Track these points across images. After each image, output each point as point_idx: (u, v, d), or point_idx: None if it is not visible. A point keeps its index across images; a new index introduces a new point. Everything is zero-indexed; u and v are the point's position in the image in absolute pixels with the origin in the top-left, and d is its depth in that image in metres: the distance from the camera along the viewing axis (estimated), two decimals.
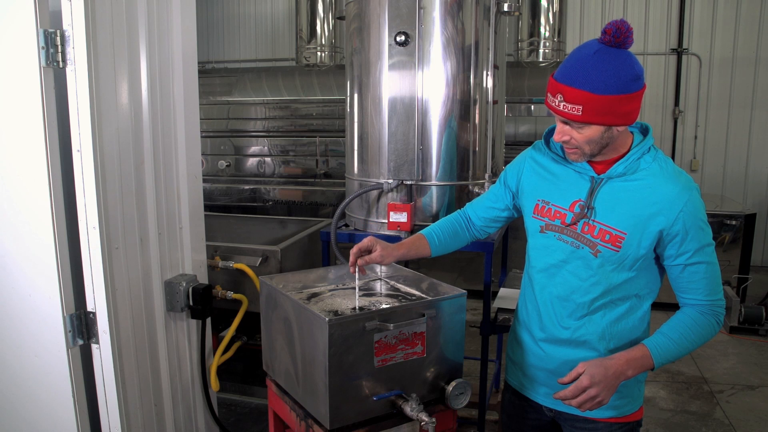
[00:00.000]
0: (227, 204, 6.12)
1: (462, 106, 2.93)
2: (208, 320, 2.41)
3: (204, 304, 2.26)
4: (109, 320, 1.90)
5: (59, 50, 1.76)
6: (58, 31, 1.75)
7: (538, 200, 1.70)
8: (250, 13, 8.16)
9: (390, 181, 2.93)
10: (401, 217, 2.87)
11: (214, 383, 2.49)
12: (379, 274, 2.11)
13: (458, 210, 2.00)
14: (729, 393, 3.93)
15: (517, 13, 3.07)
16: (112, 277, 1.91)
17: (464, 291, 1.78)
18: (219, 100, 6.22)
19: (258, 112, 6.16)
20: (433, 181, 2.96)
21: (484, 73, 2.97)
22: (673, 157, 7.04)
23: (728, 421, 3.57)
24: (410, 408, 1.63)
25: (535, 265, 1.73)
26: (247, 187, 6.13)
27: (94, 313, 1.90)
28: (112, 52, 1.88)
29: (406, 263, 2.51)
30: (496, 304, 2.99)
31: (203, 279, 2.40)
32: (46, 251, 1.83)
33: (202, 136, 2.43)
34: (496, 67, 3.03)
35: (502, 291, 3.19)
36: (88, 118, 1.79)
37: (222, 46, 8.29)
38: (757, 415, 3.65)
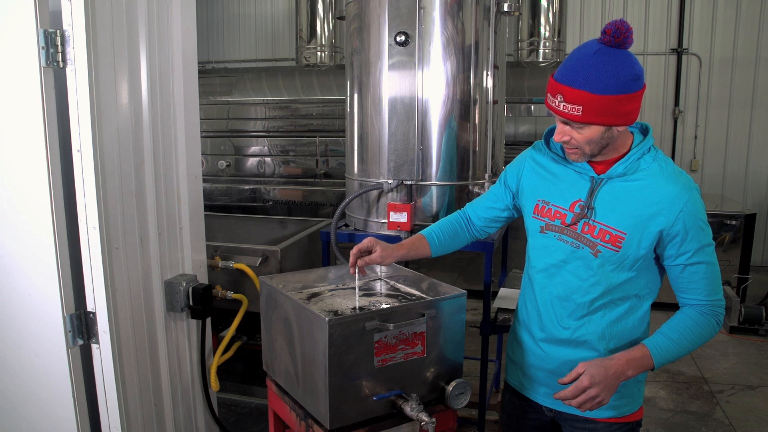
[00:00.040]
0: (227, 204, 6.12)
1: (462, 106, 2.93)
2: (208, 320, 2.41)
3: (204, 304, 2.26)
4: (109, 320, 1.90)
5: (59, 50, 1.76)
6: (58, 31, 1.75)
7: (538, 200, 1.70)
8: (250, 13, 8.16)
9: (390, 181, 2.93)
10: (401, 217, 2.87)
11: (214, 383, 2.49)
12: (379, 274, 2.11)
13: (458, 210, 2.00)
14: (729, 393, 3.93)
15: (517, 13, 3.07)
16: (112, 277, 1.92)
17: (464, 291, 1.78)
18: (219, 100, 6.22)
19: (258, 112, 6.16)
20: (433, 181, 2.96)
21: (484, 73, 2.97)
22: (673, 157, 7.04)
23: (728, 421, 3.57)
24: (410, 408, 1.63)
25: (535, 265, 1.73)
26: (247, 187, 6.13)
27: (94, 313, 1.90)
28: (112, 52, 1.88)
29: (406, 263, 2.51)
30: (496, 304, 2.99)
31: (203, 279, 2.40)
32: (46, 251, 1.83)
33: (202, 136, 2.43)
34: (496, 67, 3.03)
35: (502, 291, 3.19)
36: (88, 118, 1.79)
37: (222, 46, 8.29)
38: (757, 415, 3.65)
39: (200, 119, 2.38)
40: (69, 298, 1.87)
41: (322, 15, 6.55)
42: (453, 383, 1.72)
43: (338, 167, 5.91)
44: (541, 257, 1.71)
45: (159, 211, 2.15)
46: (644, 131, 1.63)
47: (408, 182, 2.94)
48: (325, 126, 5.97)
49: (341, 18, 3.49)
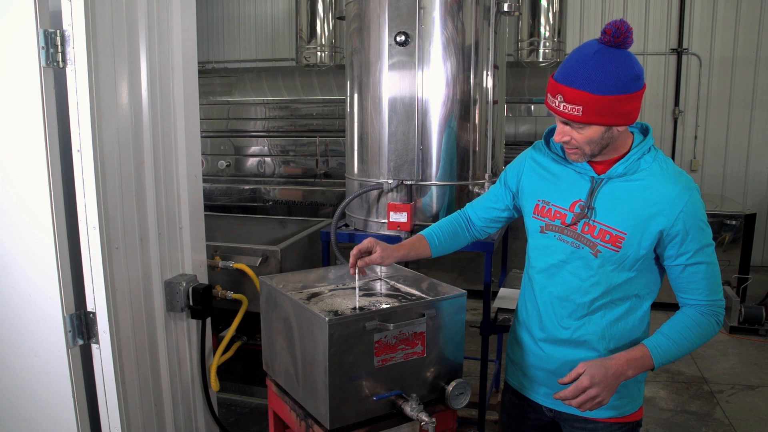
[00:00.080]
0: (227, 204, 6.12)
1: (462, 106, 2.93)
2: (208, 320, 2.41)
3: (204, 304, 2.26)
4: (109, 320, 1.90)
5: (59, 50, 1.76)
6: (58, 31, 1.75)
7: (538, 200, 1.70)
8: (250, 13, 8.16)
9: (390, 181, 2.93)
10: (401, 217, 2.87)
11: (214, 383, 2.49)
12: (379, 274, 2.11)
13: (458, 210, 2.00)
14: (729, 393, 3.93)
15: (517, 13, 3.07)
16: (112, 277, 1.91)
17: (464, 291, 1.78)
18: (219, 100, 6.22)
19: (258, 112, 6.16)
20: (433, 181, 2.96)
21: (484, 73, 2.97)
22: (673, 157, 7.04)
23: (728, 421, 3.57)
24: (410, 408, 1.63)
25: (535, 265, 1.73)
26: (247, 187, 6.13)
27: (94, 313, 1.90)
28: (112, 52, 1.88)
29: (406, 264, 2.50)
30: (496, 304, 2.99)
31: (203, 279, 2.40)
32: (46, 251, 1.83)
33: (202, 136, 2.43)
34: (496, 67, 3.03)
35: (502, 291, 3.19)
36: (88, 118, 1.79)
37: (222, 46, 8.29)
38: (757, 415, 3.65)
39: (200, 119, 2.38)
40: (69, 298, 1.87)
41: (322, 15, 6.55)
42: (453, 383, 1.73)
43: (338, 167, 5.91)
44: (541, 257, 1.71)
45: (159, 211, 2.15)
46: (644, 131, 1.63)
47: (408, 182, 2.94)
48: (325, 126, 5.97)
49: (341, 18, 3.49)
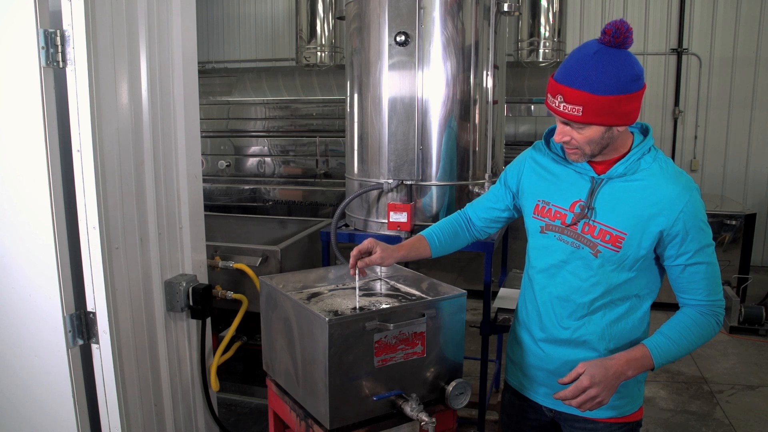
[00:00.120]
0: (227, 204, 6.12)
1: (462, 106, 2.93)
2: (208, 320, 2.41)
3: (204, 304, 2.26)
4: (109, 320, 1.90)
5: (59, 50, 1.76)
6: (58, 31, 1.75)
7: (539, 200, 1.70)
8: (250, 13, 8.16)
9: (390, 181, 2.93)
10: (401, 217, 2.87)
11: (214, 383, 2.49)
12: (379, 274, 2.11)
13: (458, 210, 2.00)
14: (729, 393, 3.93)
15: (517, 13, 3.07)
16: (112, 277, 1.91)
17: (464, 291, 1.78)
18: (219, 100, 6.22)
19: (258, 112, 6.16)
20: (433, 181, 2.96)
21: (484, 73, 2.97)
22: (673, 157, 7.04)
23: (728, 421, 3.57)
24: (410, 408, 1.63)
25: (535, 265, 1.73)
26: (247, 187, 6.13)
27: (94, 313, 1.90)
28: (112, 52, 1.88)
29: (406, 264, 2.51)
30: (496, 304, 2.99)
31: (203, 279, 2.40)
32: (46, 251, 1.83)
33: (202, 136, 2.43)
34: (496, 67, 3.03)
35: (502, 291, 3.19)
36: (88, 118, 1.79)
37: (222, 46, 8.29)
38: (757, 415, 3.65)
39: (200, 119, 2.38)
40: (69, 298, 1.87)
41: (322, 15, 6.55)
42: (453, 383, 1.72)
43: (338, 167, 5.91)
44: (541, 257, 1.71)
45: (159, 211, 2.14)
46: (644, 131, 1.63)
47: (408, 182, 2.94)
48: (325, 126, 5.97)
49: (341, 18, 3.49)
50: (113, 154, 1.91)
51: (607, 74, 1.42)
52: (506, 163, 2.01)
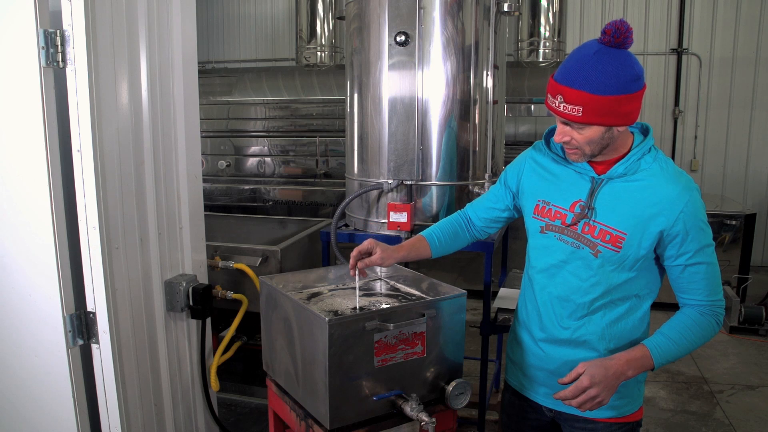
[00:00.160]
0: (227, 204, 6.12)
1: (462, 106, 2.93)
2: (208, 320, 2.41)
3: (204, 304, 2.26)
4: (109, 320, 1.90)
5: (59, 50, 1.76)
6: (58, 31, 1.75)
7: (539, 200, 1.70)
8: (250, 13, 8.16)
9: (390, 181, 2.93)
10: (401, 217, 2.87)
11: (214, 383, 2.49)
12: (379, 274, 2.11)
13: (458, 211, 2.00)
14: (729, 393, 3.93)
15: (517, 13, 3.07)
16: (112, 277, 1.91)
17: (464, 291, 1.78)
18: (219, 100, 6.22)
19: (258, 112, 6.16)
20: (433, 181, 2.96)
21: (484, 73, 2.97)
22: (673, 157, 7.04)
23: (728, 421, 3.57)
24: (410, 408, 1.63)
25: (535, 265, 1.73)
26: (247, 187, 6.13)
27: (94, 313, 1.90)
28: (112, 52, 1.88)
29: (406, 264, 2.51)
30: (496, 304, 2.99)
31: (203, 279, 2.40)
32: (46, 251, 1.83)
33: (202, 136, 2.43)
34: (496, 67, 3.03)
35: (502, 291, 3.19)
36: (88, 118, 1.79)
37: (222, 46, 8.29)
38: (757, 415, 3.65)
39: (200, 119, 2.38)
40: (69, 298, 1.87)
41: (322, 15, 6.55)
42: (453, 383, 1.72)
43: (338, 167, 5.91)
44: (541, 257, 1.71)
45: (159, 211, 2.15)
46: (644, 131, 1.63)
47: (408, 182, 2.94)
48: (325, 126, 5.97)
49: (341, 18, 3.49)
50: (113, 154, 1.91)
51: (607, 74, 1.42)
52: (506, 163, 2.01)
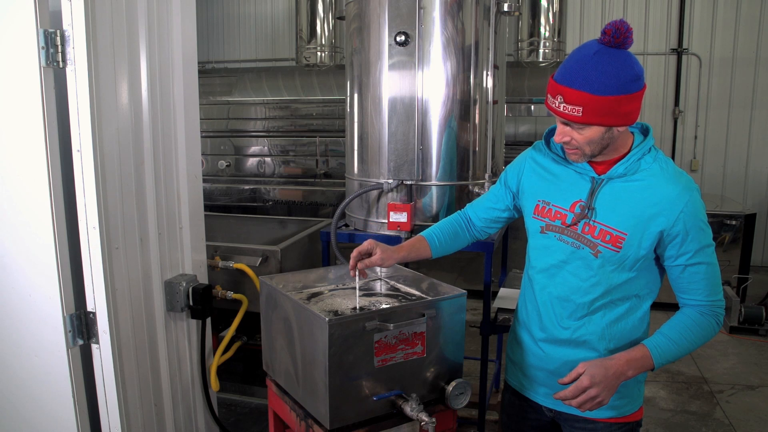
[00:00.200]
0: (227, 204, 6.12)
1: (462, 106, 2.93)
2: (208, 320, 2.41)
3: (204, 304, 2.26)
4: (109, 320, 1.90)
5: (59, 50, 1.76)
6: (58, 31, 1.75)
7: (539, 201, 1.70)
8: (250, 13, 8.16)
9: (390, 181, 2.93)
10: (401, 217, 2.87)
11: (214, 383, 2.49)
12: (379, 274, 2.11)
13: (458, 211, 2.00)
14: (729, 393, 3.93)
15: (517, 13, 3.07)
16: (112, 277, 1.91)
17: (464, 291, 1.78)
18: (219, 100, 6.22)
19: (258, 112, 6.16)
20: (433, 181, 2.96)
21: (484, 73, 2.97)
22: (673, 157, 7.04)
23: (728, 421, 3.57)
24: (410, 408, 1.63)
25: (535, 265, 1.73)
26: (247, 187, 6.13)
27: (94, 313, 1.90)
28: (112, 52, 1.88)
29: (406, 264, 2.51)
30: (496, 304, 2.99)
31: (203, 279, 2.40)
32: (46, 251, 1.83)
33: (202, 136, 2.43)
34: (496, 67, 3.03)
35: (502, 291, 3.19)
36: (88, 118, 1.79)
37: (222, 46, 8.29)
38: (757, 415, 3.65)
39: (200, 119, 2.38)
40: (69, 298, 1.87)
41: (322, 15, 6.55)
42: (453, 383, 1.72)
43: (338, 167, 5.91)
44: (541, 257, 1.71)
45: (159, 211, 2.15)
46: (644, 131, 1.63)
47: (408, 182, 2.94)
48: (325, 126, 5.97)
49: (341, 18, 3.49)
50: (113, 154, 1.91)
51: (607, 74, 1.42)
52: (506, 163, 2.01)
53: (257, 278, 2.63)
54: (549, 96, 1.51)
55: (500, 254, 3.64)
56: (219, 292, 2.62)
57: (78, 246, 1.86)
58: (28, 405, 1.99)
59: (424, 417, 1.60)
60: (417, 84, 2.86)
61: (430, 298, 1.85)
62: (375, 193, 3.00)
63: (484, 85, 2.98)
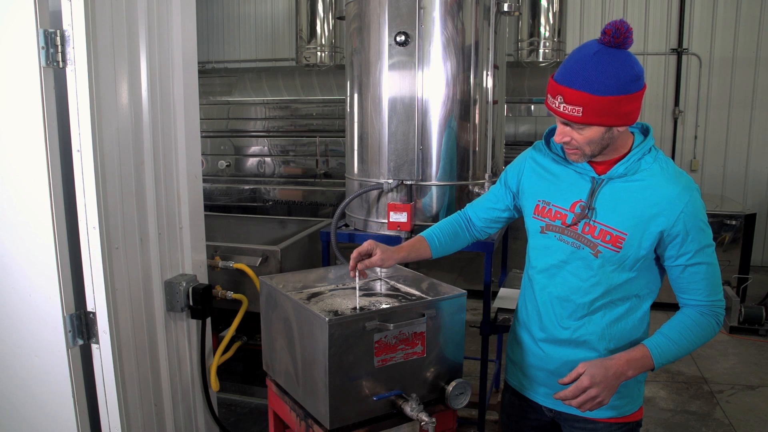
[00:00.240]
0: (227, 204, 6.12)
1: (462, 106, 2.93)
2: (208, 320, 2.41)
3: (204, 304, 2.26)
4: (109, 320, 1.90)
5: (59, 50, 1.76)
6: (58, 31, 1.75)
7: (539, 201, 1.70)
8: (250, 13, 8.16)
9: (390, 181, 2.93)
10: (401, 217, 2.87)
11: (214, 383, 2.49)
12: (379, 274, 2.11)
13: (458, 211, 2.00)
14: (729, 393, 3.93)
15: (517, 13, 3.07)
16: (112, 277, 1.91)
17: (464, 291, 1.78)
18: (219, 100, 6.22)
19: (258, 112, 6.16)
20: (433, 181, 2.96)
21: (484, 73, 2.97)
22: (673, 157, 7.04)
23: (728, 421, 3.57)
24: (410, 408, 1.63)
25: (535, 265, 1.73)
26: (247, 187, 6.13)
27: (94, 313, 1.90)
28: (112, 52, 1.88)
29: (406, 264, 2.51)
30: (496, 304, 2.99)
31: (203, 279, 2.40)
32: (46, 251, 1.83)
33: (202, 136, 2.43)
34: (496, 67, 3.03)
35: (502, 291, 3.19)
36: (88, 118, 1.79)
37: (222, 46, 8.29)
38: (757, 415, 3.65)
39: (200, 119, 2.38)
40: (69, 298, 1.87)
41: (322, 15, 6.55)
42: (453, 383, 1.72)
43: (338, 167, 5.91)
44: (541, 257, 1.71)
45: (159, 211, 2.14)
46: (645, 131, 1.63)
47: (408, 182, 2.94)
48: (325, 126, 5.97)
49: (341, 18, 3.49)
50: (113, 154, 1.91)
51: (607, 75, 1.42)
52: (506, 163, 2.01)
53: (257, 278, 2.63)
54: (549, 96, 1.51)
55: (500, 254, 3.64)
56: (219, 292, 2.62)
57: (78, 246, 1.86)
58: (28, 405, 1.99)
59: (424, 417, 1.60)
60: (417, 84, 2.86)
61: (430, 298, 1.85)
62: (375, 193, 3.00)
63: (484, 85, 2.98)
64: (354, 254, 1.77)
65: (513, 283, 3.30)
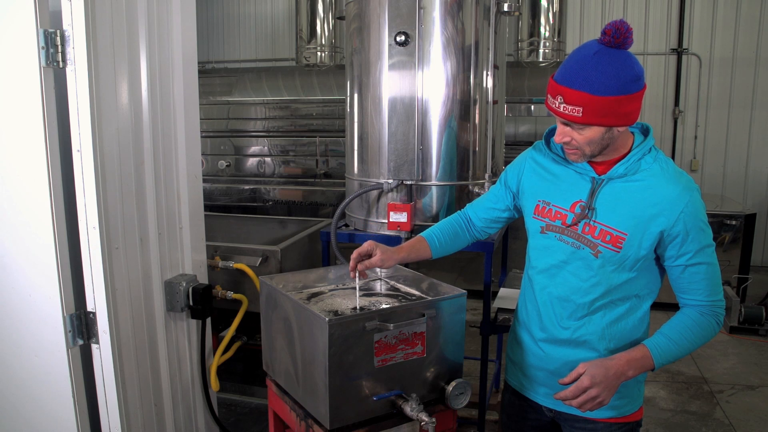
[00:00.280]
0: (227, 204, 6.12)
1: (462, 106, 2.93)
2: (208, 320, 2.41)
3: (204, 304, 2.26)
4: (109, 320, 1.90)
5: (59, 50, 1.76)
6: (58, 31, 1.75)
7: (539, 201, 1.70)
8: (250, 13, 8.16)
9: (390, 181, 2.93)
10: (401, 217, 2.87)
11: (214, 383, 2.50)
12: (379, 274, 2.11)
13: (458, 211, 2.00)
14: (729, 393, 3.93)
15: (517, 13, 3.07)
16: (112, 277, 1.91)
17: (464, 291, 1.78)
18: (219, 100, 6.22)
19: (258, 112, 6.16)
20: (433, 181, 2.96)
21: (484, 73, 2.97)
22: (673, 157, 7.04)
23: (728, 421, 3.57)
24: (410, 408, 1.63)
25: (535, 265, 1.73)
26: (247, 187, 6.13)
27: (94, 313, 1.90)
28: (112, 52, 1.88)
29: (406, 264, 2.51)
30: (496, 304, 2.99)
31: (203, 279, 2.40)
32: (46, 251, 1.83)
33: (202, 136, 2.43)
34: (496, 67, 3.03)
35: (502, 291, 3.19)
36: (88, 118, 1.79)
37: (222, 46, 8.29)
38: (757, 415, 3.65)
39: (200, 119, 2.38)
40: (69, 298, 1.87)
41: (322, 15, 6.55)
42: (453, 383, 1.72)
43: (338, 167, 5.91)
44: (541, 258, 1.71)
45: (159, 211, 2.15)
46: (645, 132, 1.63)
47: (408, 182, 2.94)
48: (325, 126, 5.97)
49: (341, 18, 3.49)
50: (113, 154, 1.91)
51: (607, 75, 1.42)
52: (506, 163, 2.01)
53: (257, 278, 2.63)
54: (549, 96, 1.51)
55: (500, 254, 3.64)
56: (219, 292, 2.62)
57: (78, 246, 1.86)
58: (28, 405, 1.99)
59: (424, 417, 1.60)
60: (417, 84, 2.86)
61: (430, 298, 1.85)
62: (375, 193, 3.00)
63: (484, 85, 2.98)
64: (354, 255, 1.77)
65: (513, 283, 3.30)
